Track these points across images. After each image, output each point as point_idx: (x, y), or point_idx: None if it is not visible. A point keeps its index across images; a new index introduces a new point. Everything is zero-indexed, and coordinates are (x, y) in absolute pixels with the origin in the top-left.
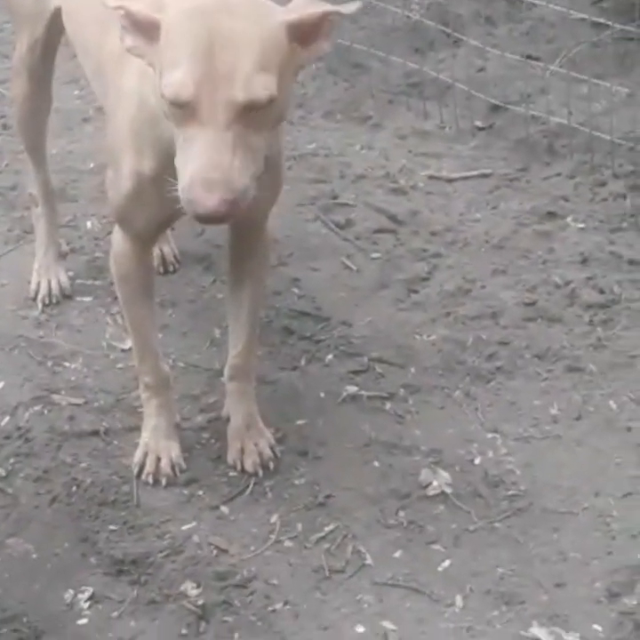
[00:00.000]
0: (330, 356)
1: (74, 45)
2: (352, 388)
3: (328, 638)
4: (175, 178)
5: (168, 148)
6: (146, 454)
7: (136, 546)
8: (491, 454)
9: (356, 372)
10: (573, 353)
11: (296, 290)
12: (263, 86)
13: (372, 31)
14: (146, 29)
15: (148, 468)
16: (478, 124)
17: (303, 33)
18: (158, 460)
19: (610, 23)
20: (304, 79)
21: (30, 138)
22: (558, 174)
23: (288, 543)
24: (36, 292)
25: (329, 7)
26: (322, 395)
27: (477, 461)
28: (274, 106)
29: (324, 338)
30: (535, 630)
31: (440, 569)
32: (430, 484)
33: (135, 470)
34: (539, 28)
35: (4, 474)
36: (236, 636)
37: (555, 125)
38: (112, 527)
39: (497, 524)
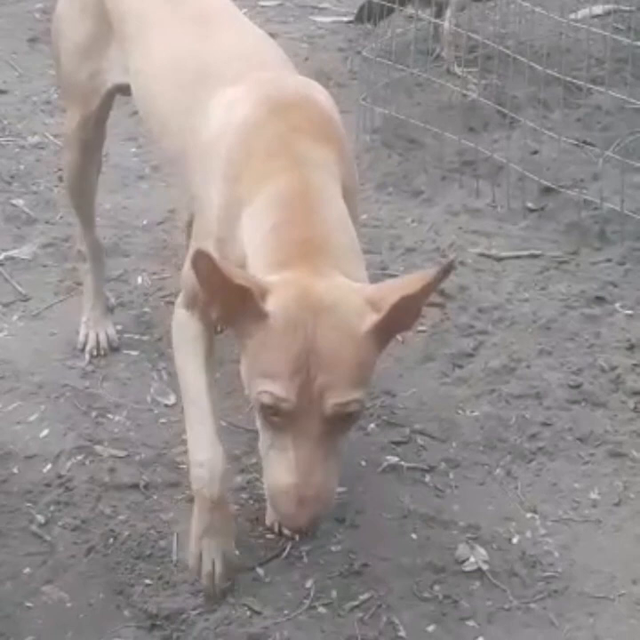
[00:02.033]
0: (372, 425)
1: (146, 121)
2: (393, 459)
3: None
4: None
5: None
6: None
7: (170, 601)
8: (529, 534)
9: (397, 443)
10: (616, 438)
11: None
12: (356, 402)
13: (428, 107)
14: (242, 305)
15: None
16: (530, 205)
17: (389, 321)
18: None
19: None
20: (359, 151)
21: (79, 200)
22: (608, 260)
23: (322, 609)
24: (84, 344)
25: (401, 291)
26: (362, 463)
27: (515, 540)
28: (361, 413)
29: (367, 406)
30: None
31: None
32: (467, 559)
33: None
34: (594, 115)
35: (43, 521)
36: None
37: (607, 211)
38: (147, 581)
39: (532, 605)
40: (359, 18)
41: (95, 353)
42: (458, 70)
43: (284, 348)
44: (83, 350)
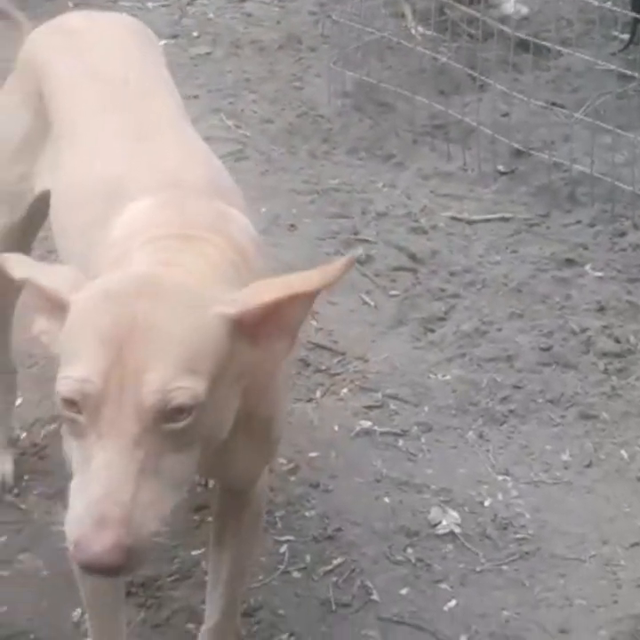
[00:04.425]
0: (345, 390)
1: (56, 241)
2: (366, 423)
3: None
4: None
5: None
6: None
7: (145, 569)
8: (501, 497)
9: (369, 408)
10: (587, 400)
11: (314, 322)
12: (185, 391)
13: (398, 71)
14: (58, 311)
15: None
16: (501, 168)
17: (253, 326)
18: None
19: (636, 75)
20: (330, 115)
21: None
22: (578, 222)
23: (296, 574)
24: None
25: (283, 290)
26: (335, 428)
27: (487, 503)
28: (202, 418)
29: (339, 371)
30: None
31: (446, 608)
32: (439, 522)
33: None
34: (564, 77)
35: (16, 491)
36: None
37: (577, 173)
38: None
39: (504, 567)
40: None
41: None
42: (416, 32)
43: (90, 324)
44: None
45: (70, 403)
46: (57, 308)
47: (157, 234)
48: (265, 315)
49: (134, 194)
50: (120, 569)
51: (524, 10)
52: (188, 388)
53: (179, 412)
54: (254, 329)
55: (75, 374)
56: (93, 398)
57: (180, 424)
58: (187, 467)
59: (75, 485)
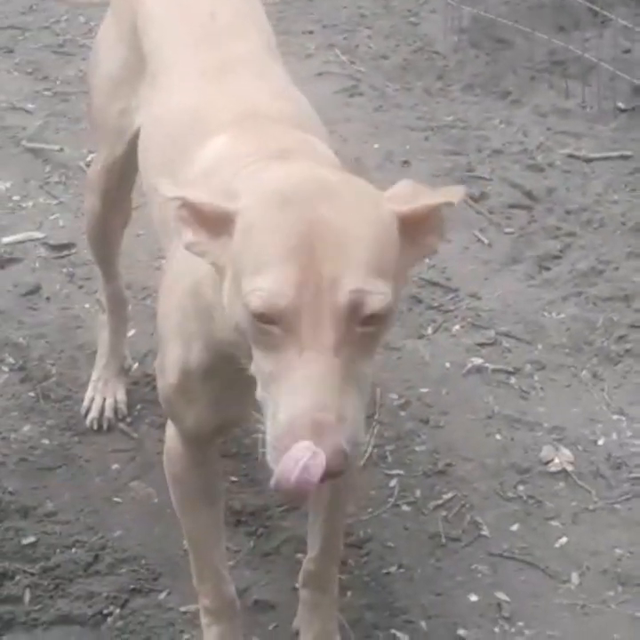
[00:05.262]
0: (457, 327)
1: (142, 178)
2: (477, 360)
3: (440, 604)
4: (226, 377)
5: (223, 346)
6: None
7: (255, 498)
8: (615, 436)
9: (482, 345)
10: None
11: (427, 259)
12: (380, 295)
13: (517, 6)
14: (213, 223)
15: None
16: (621, 105)
17: (412, 225)
18: None
19: None
20: (446, 51)
21: (100, 252)
22: None
23: (405, 508)
24: (88, 410)
25: (441, 197)
26: (447, 365)
27: (601, 442)
28: (388, 319)
29: (452, 308)
30: None
31: (557, 545)
32: (552, 460)
33: None
34: None
35: (129, 420)
36: (349, 594)
37: None
38: (233, 478)
39: (617, 506)
40: None
41: (96, 426)
42: None
43: (274, 231)
44: (85, 416)
45: (263, 315)
46: (213, 220)
47: (250, 160)
48: (423, 216)
49: (214, 128)
50: (341, 474)
51: None
52: (381, 292)
53: (373, 316)
54: (412, 227)
55: (267, 286)
56: (289, 309)
57: (374, 328)
58: (371, 370)
59: (271, 400)
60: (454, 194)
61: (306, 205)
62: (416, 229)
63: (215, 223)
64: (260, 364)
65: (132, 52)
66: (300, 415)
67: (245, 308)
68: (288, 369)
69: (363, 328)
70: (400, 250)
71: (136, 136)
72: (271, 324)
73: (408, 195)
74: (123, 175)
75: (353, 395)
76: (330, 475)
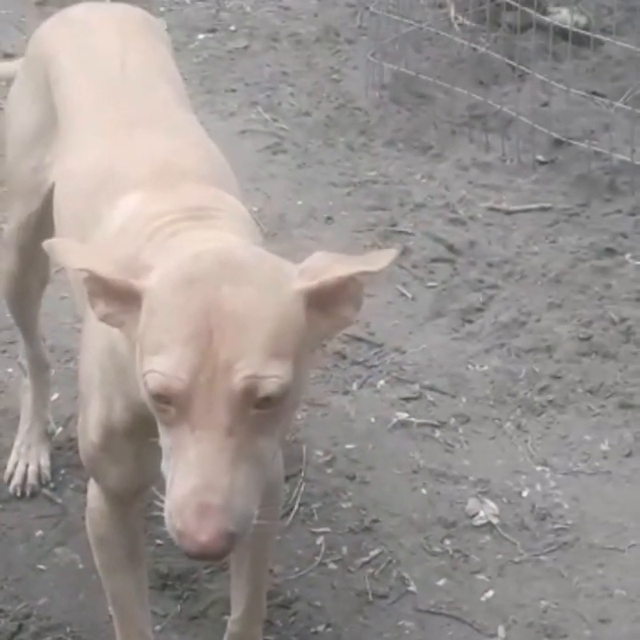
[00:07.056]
0: (382, 382)
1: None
2: (402, 415)
3: None
4: (149, 435)
5: (141, 407)
6: None
7: (181, 561)
8: (539, 487)
9: (407, 399)
10: (626, 390)
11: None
12: (276, 377)
13: (437, 62)
14: (125, 294)
15: None
16: (540, 158)
17: (323, 298)
18: None
19: None
20: (367, 107)
21: (19, 313)
22: (618, 211)
23: (332, 566)
24: (11, 476)
25: (357, 266)
26: (372, 420)
27: (525, 494)
28: (288, 399)
29: (376, 363)
30: None
31: (483, 599)
32: (477, 513)
33: None
34: (604, 66)
35: (53, 485)
36: None
37: (617, 162)
38: (159, 541)
39: (542, 557)
40: None
41: (19, 493)
42: (458, 20)
43: (174, 310)
44: (8, 483)
45: (159, 396)
46: (124, 292)
47: (163, 221)
48: (336, 287)
49: (126, 185)
50: (225, 554)
51: (582, 20)
52: (276, 376)
53: (268, 399)
54: (324, 300)
55: (162, 369)
56: (183, 393)
57: (271, 409)
58: (273, 447)
59: (169, 473)
60: (375, 261)
61: (209, 288)
62: (330, 301)
63: (127, 294)
64: (162, 437)
65: (44, 108)
66: (186, 495)
67: (145, 391)
68: (180, 447)
69: (258, 410)
70: (308, 326)
71: (51, 192)
72: (167, 404)
73: (320, 268)
74: (39, 232)
75: (247, 472)
76: (212, 557)
